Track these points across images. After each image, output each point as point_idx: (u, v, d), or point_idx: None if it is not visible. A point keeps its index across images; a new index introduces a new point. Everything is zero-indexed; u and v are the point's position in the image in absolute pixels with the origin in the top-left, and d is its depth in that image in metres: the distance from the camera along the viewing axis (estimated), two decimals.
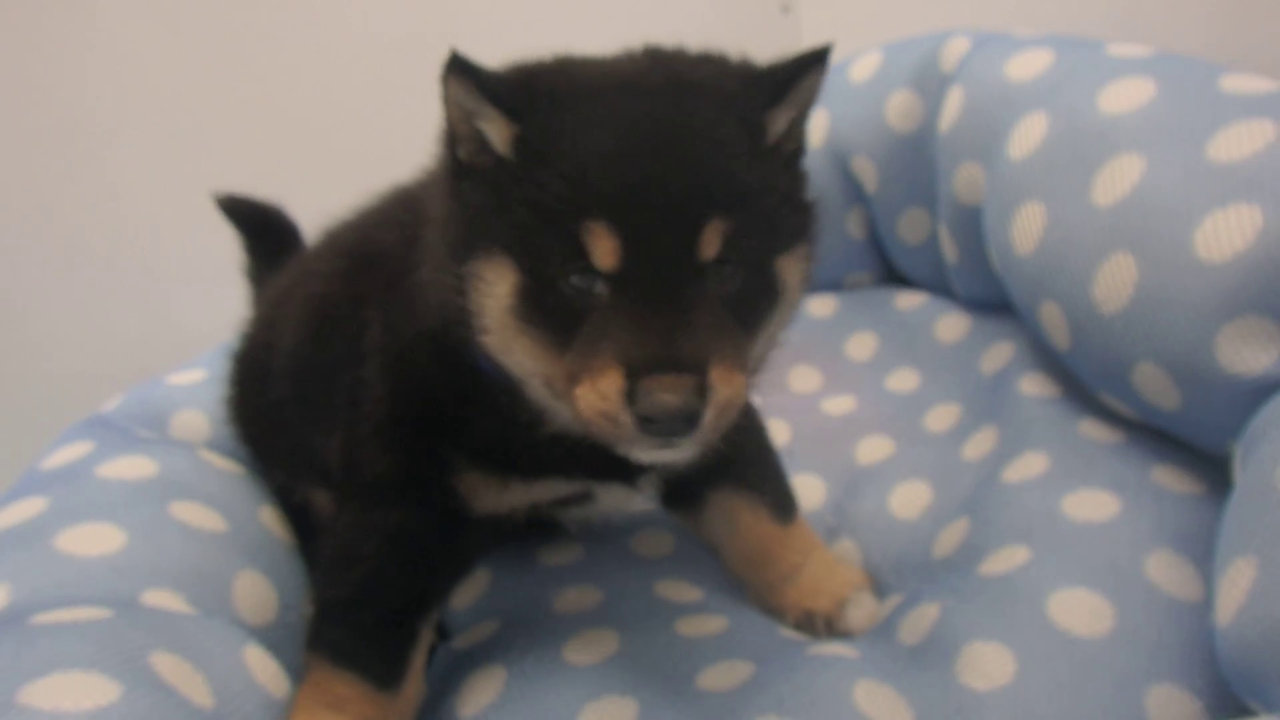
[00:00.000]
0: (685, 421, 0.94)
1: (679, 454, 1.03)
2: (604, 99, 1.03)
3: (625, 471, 1.25)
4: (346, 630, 1.19)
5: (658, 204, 0.97)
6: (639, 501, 1.42)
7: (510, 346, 1.06)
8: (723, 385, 0.96)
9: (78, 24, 2.48)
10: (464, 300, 1.06)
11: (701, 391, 0.94)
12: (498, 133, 1.03)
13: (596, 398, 0.96)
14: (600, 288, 0.99)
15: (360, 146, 2.62)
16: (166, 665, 1.04)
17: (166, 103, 2.58)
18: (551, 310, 1.01)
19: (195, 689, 1.05)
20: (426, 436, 1.20)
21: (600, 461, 1.16)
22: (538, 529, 1.47)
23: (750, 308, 1.05)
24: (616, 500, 1.37)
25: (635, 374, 0.94)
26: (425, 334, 1.17)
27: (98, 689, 0.97)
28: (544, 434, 1.14)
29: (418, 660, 1.22)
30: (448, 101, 1.05)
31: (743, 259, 1.02)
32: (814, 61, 1.09)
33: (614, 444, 1.00)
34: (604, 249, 0.97)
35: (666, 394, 0.92)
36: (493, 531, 1.30)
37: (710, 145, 1.01)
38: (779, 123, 1.09)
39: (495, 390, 1.14)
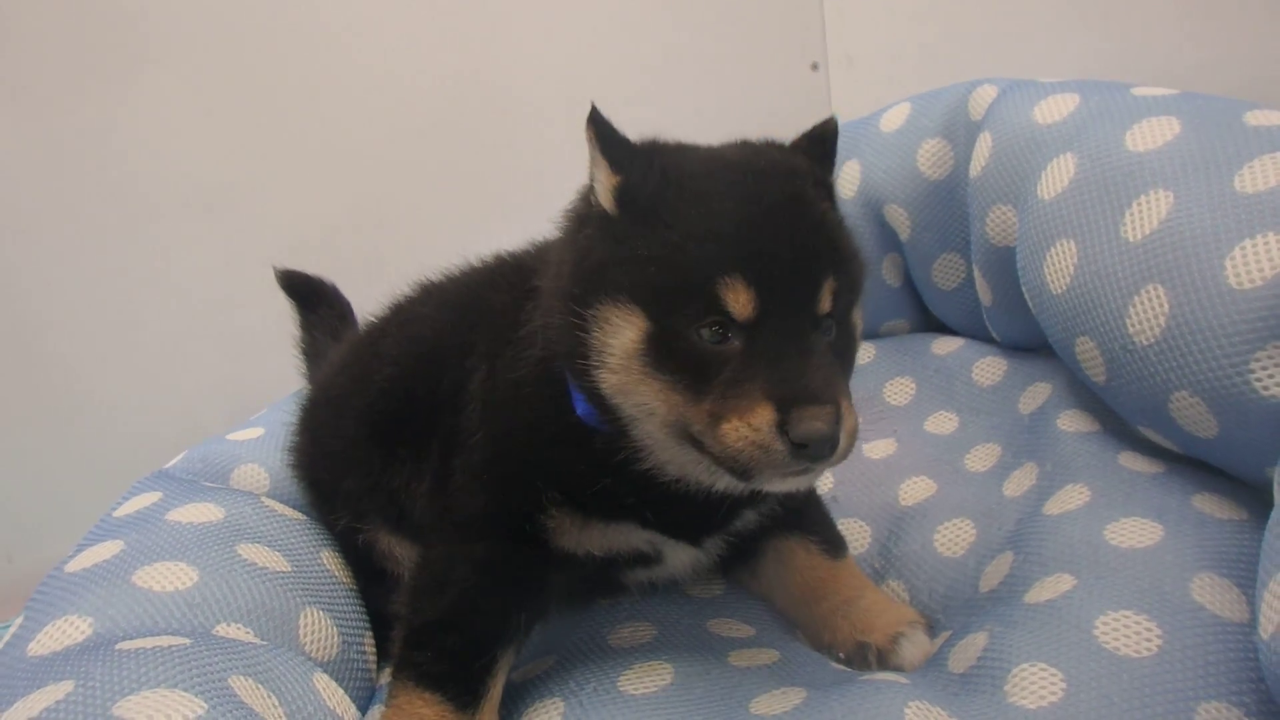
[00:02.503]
0: (830, 445, 1.07)
1: (807, 480, 1.19)
2: (716, 175, 1.18)
3: (693, 530, 1.37)
4: (433, 653, 1.25)
5: (788, 263, 1.12)
6: (701, 566, 1.49)
7: (636, 388, 1.16)
8: (849, 415, 1.10)
9: (141, 102, 2.58)
10: (586, 339, 1.17)
11: (839, 419, 1.08)
12: (604, 181, 1.18)
13: (748, 430, 1.07)
14: (734, 337, 1.11)
15: (404, 224, 2.73)
16: (244, 687, 1.10)
17: (227, 178, 2.69)
18: (684, 358, 1.13)
19: (271, 710, 1.11)
20: (521, 476, 1.29)
21: (672, 517, 1.30)
22: (603, 589, 1.53)
23: (843, 355, 1.21)
24: (681, 564, 1.44)
25: (785, 407, 1.06)
26: (525, 381, 1.29)
27: (185, 704, 1.03)
28: (629, 475, 1.25)
29: (495, 690, 1.26)
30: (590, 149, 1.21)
31: (838, 313, 1.18)
32: (834, 129, 1.31)
33: (755, 473, 1.11)
34: (741, 301, 1.10)
35: (818, 422, 1.06)
36: (568, 578, 1.38)
37: (818, 215, 1.19)
38: (833, 183, 1.29)
39: (587, 433, 1.24)
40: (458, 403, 1.37)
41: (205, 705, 1.04)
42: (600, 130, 1.18)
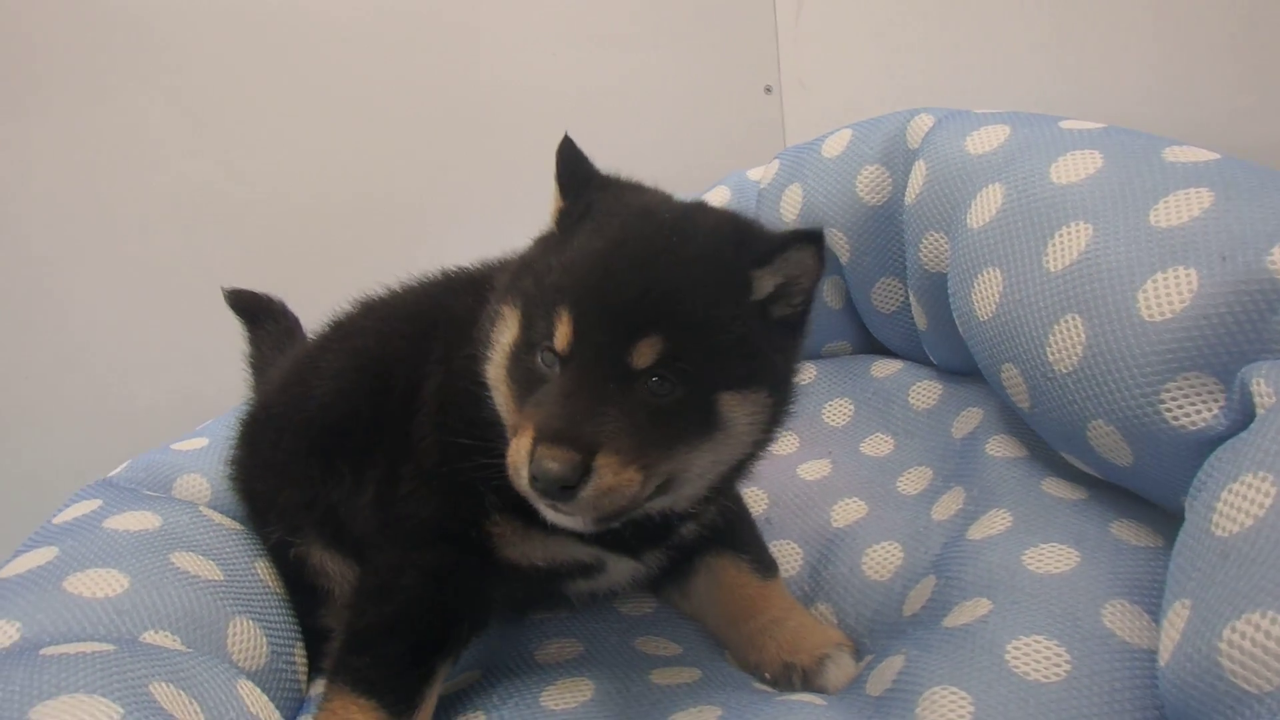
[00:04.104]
0: (561, 489, 1.08)
1: (569, 520, 1.17)
2: (621, 215, 1.23)
3: (633, 543, 1.38)
4: (371, 659, 1.26)
5: (605, 308, 1.14)
6: (642, 577, 1.50)
7: (499, 386, 1.24)
8: (607, 472, 1.09)
9: (108, 115, 2.62)
10: (490, 330, 1.26)
11: (584, 470, 1.07)
12: (553, 203, 1.26)
13: (514, 451, 1.12)
14: (555, 365, 1.16)
15: (357, 243, 2.75)
16: (164, 694, 1.11)
17: (178, 195, 2.71)
18: (524, 371, 1.20)
19: (192, 716, 1.12)
20: (468, 480, 1.29)
21: (611, 534, 1.28)
22: (545, 601, 1.56)
23: (678, 426, 1.16)
24: (623, 574, 1.46)
25: (539, 440, 1.09)
26: (477, 378, 1.30)
27: (101, 710, 1.04)
28: None
29: (431, 700, 1.28)
30: None
31: (679, 381, 1.14)
32: (802, 239, 1.21)
33: (525, 493, 1.14)
34: (561, 333, 1.14)
35: (551, 462, 1.07)
36: (511, 589, 1.40)
37: (673, 275, 1.16)
38: (764, 282, 1.22)
39: None
40: (410, 409, 1.39)
41: (122, 710, 1.05)
42: (563, 157, 1.27)
